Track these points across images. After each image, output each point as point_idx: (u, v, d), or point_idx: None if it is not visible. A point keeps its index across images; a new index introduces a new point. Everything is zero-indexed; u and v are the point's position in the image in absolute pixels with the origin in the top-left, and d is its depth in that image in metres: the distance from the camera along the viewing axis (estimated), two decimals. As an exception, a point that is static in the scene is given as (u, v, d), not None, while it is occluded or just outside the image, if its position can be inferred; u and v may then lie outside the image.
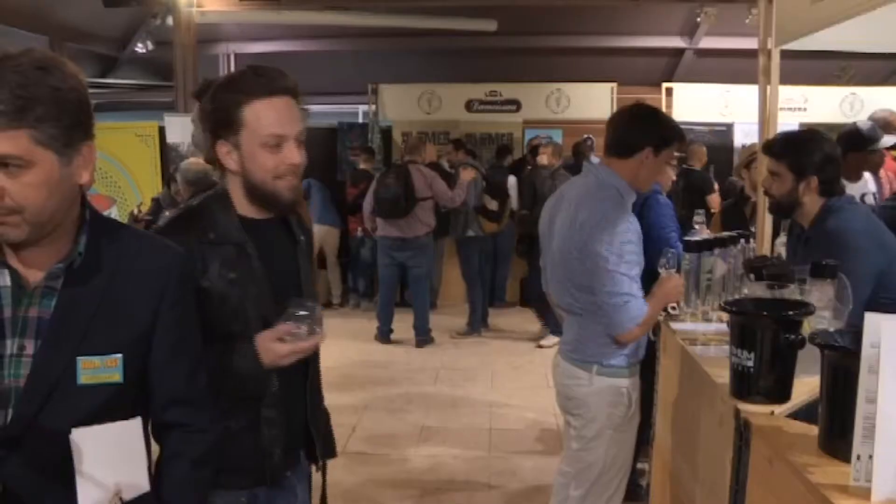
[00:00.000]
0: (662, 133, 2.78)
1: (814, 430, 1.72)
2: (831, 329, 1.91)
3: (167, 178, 6.21)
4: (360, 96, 11.41)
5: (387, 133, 10.72)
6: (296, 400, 1.94)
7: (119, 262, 1.48)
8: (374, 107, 11.04)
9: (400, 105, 11.10)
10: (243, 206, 1.88)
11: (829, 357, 1.59)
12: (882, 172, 4.52)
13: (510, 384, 6.37)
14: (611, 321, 2.65)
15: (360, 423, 5.38)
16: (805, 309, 1.91)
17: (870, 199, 4.13)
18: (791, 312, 1.89)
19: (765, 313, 1.93)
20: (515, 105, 11.15)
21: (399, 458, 4.85)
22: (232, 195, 1.89)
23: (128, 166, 8.73)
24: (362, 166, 8.82)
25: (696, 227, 3.28)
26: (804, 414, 1.93)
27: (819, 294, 2.16)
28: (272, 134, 1.80)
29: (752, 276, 2.50)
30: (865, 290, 2.43)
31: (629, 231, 2.66)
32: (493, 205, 7.99)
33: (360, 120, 12.10)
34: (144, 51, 10.14)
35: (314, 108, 11.28)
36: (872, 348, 1.40)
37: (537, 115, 11.04)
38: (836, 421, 1.60)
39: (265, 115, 1.79)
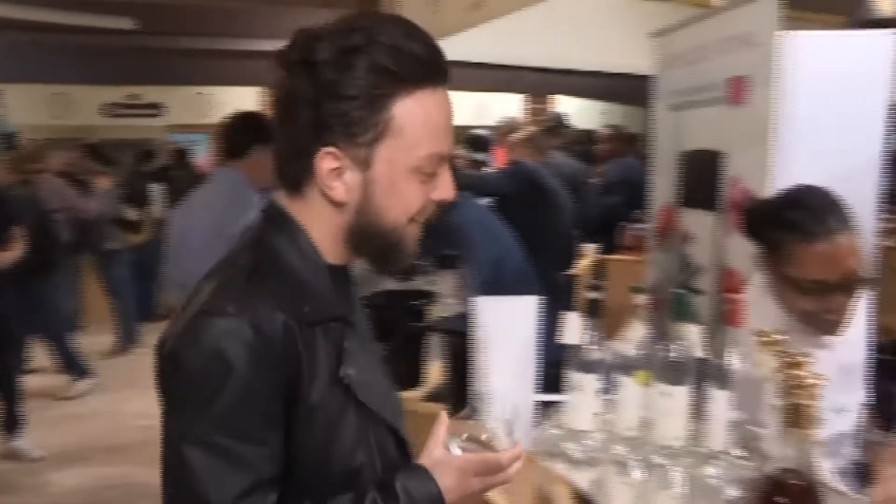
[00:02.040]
0: (268, 130, 2.88)
1: (443, 409, 1.87)
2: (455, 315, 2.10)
3: None
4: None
5: (8, 139, 9.54)
6: None
7: None
8: (-6, 109, 9.79)
9: (25, 108, 9.96)
10: (326, 249, 1.09)
11: (447, 340, 1.75)
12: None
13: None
14: None
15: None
16: (428, 298, 2.08)
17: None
18: (415, 302, 2.05)
19: (386, 304, 2.06)
20: (159, 109, 10.62)
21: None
22: (313, 234, 1.07)
23: None
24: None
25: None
26: (438, 395, 2.09)
27: (446, 283, 2.37)
28: (434, 154, 1.05)
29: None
30: (484, 275, 2.71)
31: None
32: (132, 215, 7.53)
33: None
34: None
35: None
36: (478, 329, 1.57)
37: (184, 119, 10.61)
38: (460, 398, 1.77)
39: (430, 120, 1.04)
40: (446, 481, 1.08)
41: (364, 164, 1.01)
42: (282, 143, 1.04)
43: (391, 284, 2.33)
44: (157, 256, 7.93)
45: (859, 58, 2.84)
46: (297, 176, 1.03)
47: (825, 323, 1.63)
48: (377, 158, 1.00)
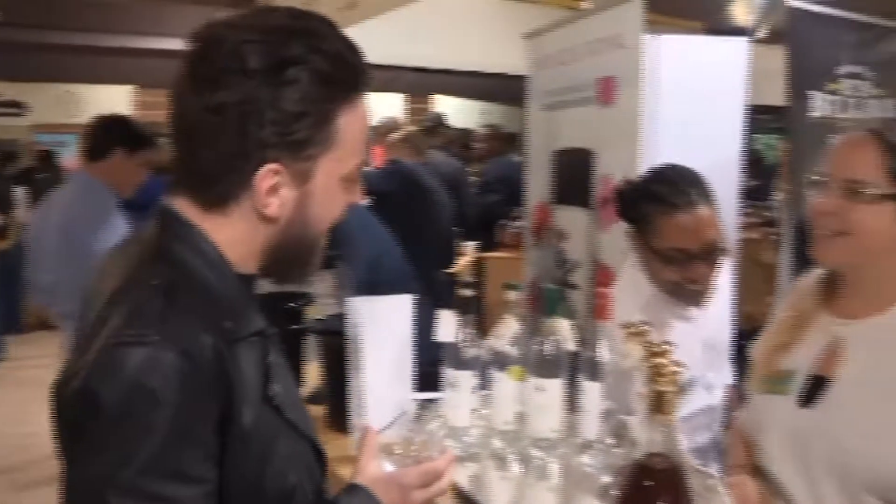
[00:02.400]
0: (132, 135, 2.86)
1: (321, 410, 1.84)
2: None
3: None
4: None
5: None
6: None
7: None
8: None
9: None
10: (235, 257, 0.99)
11: (324, 341, 1.73)
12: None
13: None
14: None
15: None
16: (306, 299, 2.04)
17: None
18: (292, 304, 2.01)
19: (263, 307, 2.01)
20: (22, 108, 9.98)
21: None
22: (221, 241, 0.97)
23: None
24: None
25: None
26: (316, 397, 2.06)
27: (323, 283, 2.34)
28: (362, 160, 1.04)
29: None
30: (362, 275, 2.69)
31: (118, 230, 2.64)
32: (-8, 219, 7.06)
33: None
34: None
35: None
36: (354, 328, 1.55)
37: (49, 118, 10.00)
38: (338, 398, 1.74)
39: (364, 127, 1.02)
40: (389, 498, 1.07)
41: (303, 179, 0.95)
42: (206, 157, 0.92)
43: (267, 286, 2.27)
44: (22, 262, 7.48)
45: (718, 62, 3.00)
46: (224, 192, 0.93)
47: (690, 293, 1.74)
48: (317, 171, 0.95)
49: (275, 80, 0.89)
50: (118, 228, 2.61)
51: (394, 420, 1.25)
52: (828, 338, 1.38)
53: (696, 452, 1.82)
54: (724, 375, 1.99)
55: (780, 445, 1.39)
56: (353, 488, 1.08)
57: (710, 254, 1.71)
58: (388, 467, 1.13)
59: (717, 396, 1.90)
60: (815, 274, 1.49)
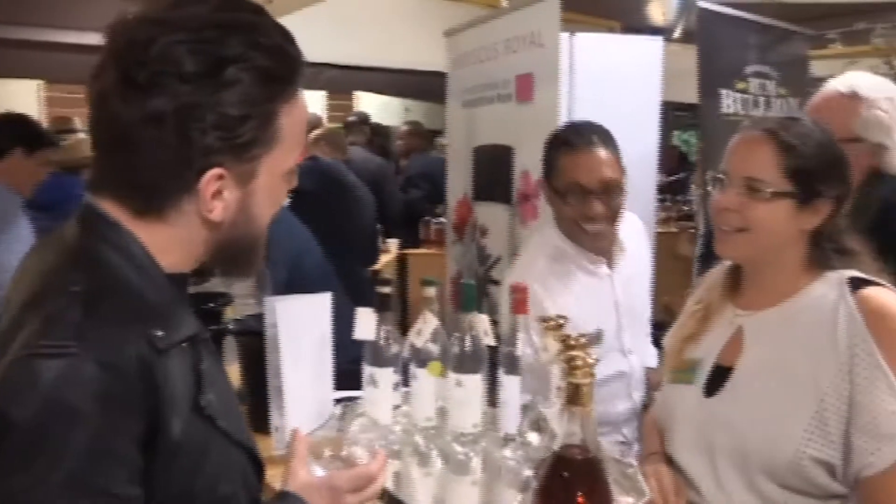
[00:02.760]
0: (31, 134, 2.86)
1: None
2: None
3: None
4: None
5: None
6: None
7: None
8: None
9: None
10: (169, 258, 0.95)
11: (243, 341, 1.69)
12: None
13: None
14: None
15: None
16: (224, 299, 2.00)
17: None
18: (211, 304, 1.96)
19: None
20: None
21: None
22: (151, 241, 0.92)
23: None
24: None
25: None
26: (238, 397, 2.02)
27: (242, 283, 2.29)
28: (301, 153, 1.03)
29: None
30: (282, 274, 2.65)
31: (21, 231, 2.60)
32: None
33: None
34: None
35: None
36: (273, 328, 1.53)
37: (-57, 114, 9.52)
38: (258, 399, 1.71)
39: (303, 120, 1.00)
40: (321, 503, 1.05)
41: (247, 179, 0.91)
42: (142, 168, 0.86)
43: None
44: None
45: (634, 60, 3.08)
46: (160, 200, 0.88)
47: (591, 237, 1.85)
48: (260, 170, 0.91)
49: (214, 82, 0.84)
50: (21, 229, 2.53)
51: (322, 423, 1.22)
52: (731, 329, 1.44)
53: (610, 424, 1.88)
54: (643, 344, 2.05)
55: (686, 434, 1.44)
56: (283, 495, 1.05)
57: (606, 192, 1.81)
58: (319, 471, 1.11)
59: (635, 364, 1.96)
60: (721, 267, 1.54)
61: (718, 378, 1.41)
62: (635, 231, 2.05)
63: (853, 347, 1.26)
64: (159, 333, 0.84)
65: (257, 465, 1.02)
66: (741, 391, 1.37)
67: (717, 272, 1.55)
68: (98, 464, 0.77)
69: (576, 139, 1.85)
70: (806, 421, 1.27)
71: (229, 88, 0.84)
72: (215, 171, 0.87)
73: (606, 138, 1.86)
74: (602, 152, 1.82)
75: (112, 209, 0.89)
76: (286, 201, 3.94)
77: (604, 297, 1.92)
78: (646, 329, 2.09)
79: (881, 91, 1.94)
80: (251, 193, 0.92)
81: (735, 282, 1.49)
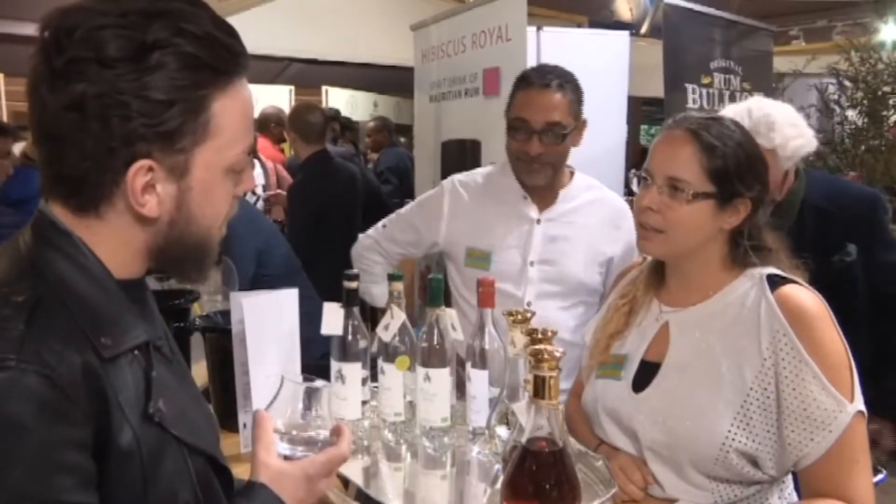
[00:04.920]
0: None
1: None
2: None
3: None
4: None
5: None
6: None
7: None
8: None
9: None
10: (118, 264, 0.94)
11: (210, 339, 1.68)
12: (269, 164, 4.98)
13: None
14: None
15: None
16: (190, 296, 1.97)
17: (259, 190, 4.51)
18: (177, 301, 1.94)
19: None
20: None
21: None
22: (101, 249, 0.91)
23: None
24: None
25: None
26: (204, 395, 2.00)
27: (207, 279, 2.26)
28: (247, 148, 0.96)
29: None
30: (249, 269, 2.63)
31: None
32: None
33: None
34: None
35: None
36: (240, 324, 1.52)
37: None
38: (225, 396, 1.69)
39: (245, 113, 0.95)
40: (296, 493, 1.03)
41: (180, 173, 0.88)
42: (70, 158, 0.84)
43: (152, 284, 2.19)
44: None
45: (601, 54, 3.09)
46: (95, 194, 0.87)
47: (526, 174, 1.93)
48: (194, 164, 0.88)
49: (137, 67, 0.82)
50: None
51: (275, 396, 1.16)
52: (657, 325, 1.47)
53: None
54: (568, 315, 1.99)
55: (615, 427, 1.46)
56: (252, 488, 1.02)
57: (547, 132, 1.86)
58: (283, 448, 1.08)
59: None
60: (646, 263, 1.56)
61: (646, 374, 1.44)
62: (612, 210, 2.02)
63: (776, 343, 1.29)
64: (106, 341, 0.84)
65: (222, 471, 1.00)
66: (668, 386, 1.40)
67: (639, 268, 1.58)
68: (45, 475, 0.76)
69: (534, 77, 1.90)
70: (732, 416, 1.31)
71: (153, 73, 0.82)
72: (143, 162, 0.85)
73: (565, 83, 1.89)
74: (556, 95, 1.86)
75: (59, 212, 0.88)
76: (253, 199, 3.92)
77: (516, 234, 1.97)
78: (594, 299, 2.02)
79: (786, 126, 1.92)
80: (187, 189, 0.89)
81: (659, 277, 1.52)
